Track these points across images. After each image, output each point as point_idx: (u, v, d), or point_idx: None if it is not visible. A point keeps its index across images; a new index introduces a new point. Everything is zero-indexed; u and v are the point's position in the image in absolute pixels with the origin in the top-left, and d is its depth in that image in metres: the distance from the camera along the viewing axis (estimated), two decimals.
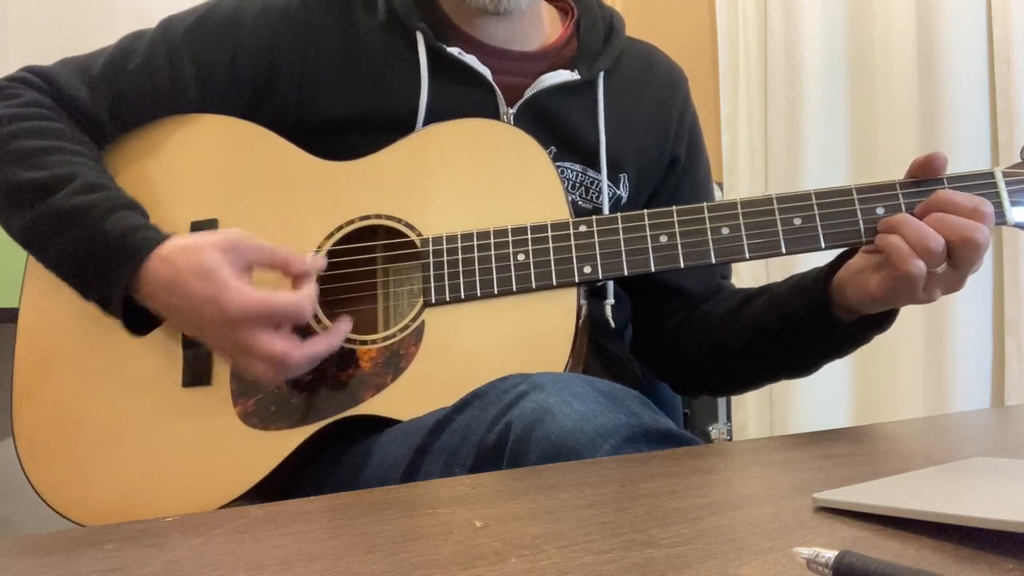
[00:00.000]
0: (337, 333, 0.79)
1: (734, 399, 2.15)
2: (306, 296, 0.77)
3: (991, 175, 0.78)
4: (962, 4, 1.84)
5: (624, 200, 0.97)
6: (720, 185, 2.26)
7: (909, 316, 1.88)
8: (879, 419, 1.90)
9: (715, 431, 2.01)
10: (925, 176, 0.79)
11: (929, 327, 1.85)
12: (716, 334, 0.95)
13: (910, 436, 0.73)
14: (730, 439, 2.04)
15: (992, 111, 1.82)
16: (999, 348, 1.81)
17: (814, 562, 0.33)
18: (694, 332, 0.98)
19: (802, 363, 0.92)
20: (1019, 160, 0.81)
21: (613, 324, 0.94)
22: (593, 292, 0.91)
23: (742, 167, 2.25)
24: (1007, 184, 0.78)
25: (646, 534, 0.39)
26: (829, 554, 0.32)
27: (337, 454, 0.82)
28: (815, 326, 0.84)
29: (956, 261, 0.73)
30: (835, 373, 2.00)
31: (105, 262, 0.78)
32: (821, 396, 2.03)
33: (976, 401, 1.81)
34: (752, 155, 2.23)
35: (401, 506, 0.47)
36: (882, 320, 0.83)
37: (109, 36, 0.94)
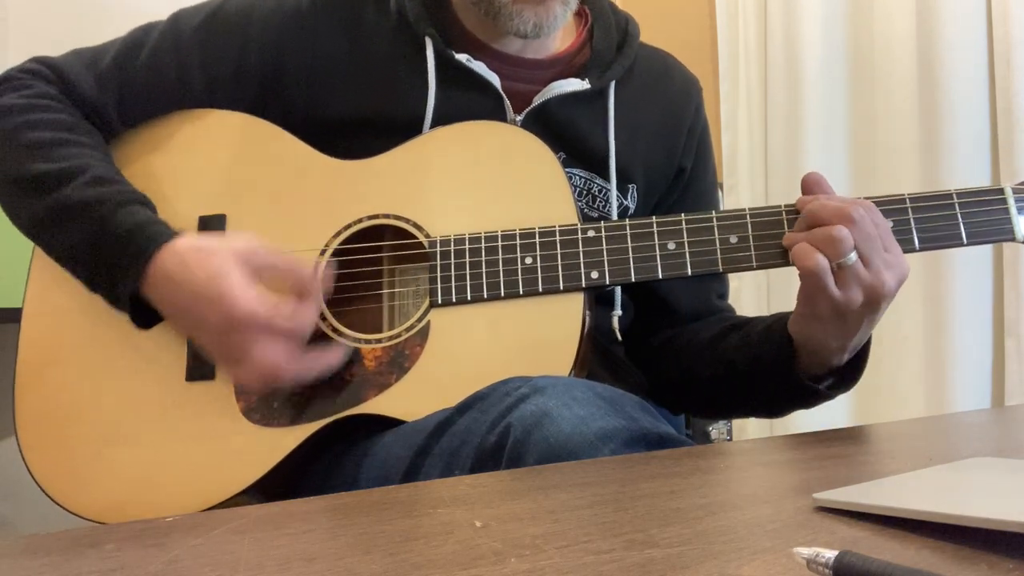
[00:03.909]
0: (332, 357, 0.78)
1: None
2: (309, 316, 0.77)
3: (1000, 191, 0.79)
4: (962, 4, 1.83)
5: (632, 211, 0.96)
6: (720, 185, 2.26)
7: (909, 316, 1.88)
8: (879, 419, 1.90)
9: (715, 431, 2.00)
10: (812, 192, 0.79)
11: (929, 327, 1.85)
12: (691, 360, 0.95)
13: (910, 436, 0.73)
14: (730, 439, 2.04)
15: (992, 111, 1.82)
16: (999, 348, 1.81)
17: (814, 562, 0.33)
18: (674, 353, 0.98)
19: (768, 408, 0.92)
20: None
21: (620, 336, 0.93)
22: (600, 301, 0.91)
23: (742, 167, 2.25)
24: (1016, 201, 0.78)
25: (646, 534, 0.39)
26: (829, 554, 0.32)
27: (338, 454, 0.82)
28: (778, 376, 0.83)
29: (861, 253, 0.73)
30: None
31: (115, 254, 0.78)
32: None
33: (976, 401, 1.81)
34: (752, 155, 2.23)
35: (401, 506, 0.47)
36: (845, 376, 0.82)
37: (108, 35, 0.94)
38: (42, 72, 0.90)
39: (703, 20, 2.41)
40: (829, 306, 0.74)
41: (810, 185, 0.79)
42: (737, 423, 2.16)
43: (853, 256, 0.72)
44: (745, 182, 2.23)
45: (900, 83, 1.93)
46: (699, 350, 0.94)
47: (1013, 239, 0.78)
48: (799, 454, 0.61)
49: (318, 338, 0.82)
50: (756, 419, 2.15)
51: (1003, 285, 1.80)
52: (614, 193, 0.93)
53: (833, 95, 2.06)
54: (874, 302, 0.74)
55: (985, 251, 1.81)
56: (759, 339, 0.86)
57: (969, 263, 1.81)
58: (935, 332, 1.84)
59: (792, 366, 0.81)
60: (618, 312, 0.93)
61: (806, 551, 0.33)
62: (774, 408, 0.91)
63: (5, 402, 0.87)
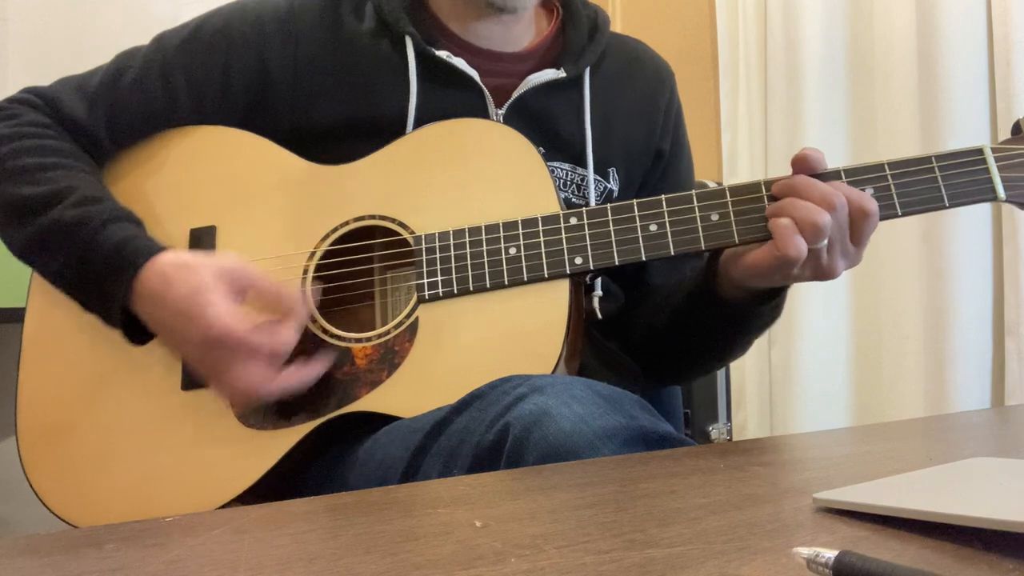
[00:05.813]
0: (315, 368, 0.79)
1: (734, 399, 2.15)
2: (289, 336, 0.77)
3: (979, 152, 0.78)
4: (962, 4, 1.83)
5: (616, 194, 0.98)
6: (719, 185, 2.26)
7: (909, 316, 1.88)
8: (879, 419, 1.90)
9: (715, 431, 2.00)
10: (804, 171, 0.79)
11: (929, 327, 1.85)
12: (649, 316, 0.97)
13: (910, 436, 0.73)
14: (730, 439, 2.04)
15: (992, 111, 1.82)
16: (999, 348, 1.81)
17: (814, 562, 0.33)
18: (641, 318, 0.99)
19: (707, 342, 0.93)
20: (1010, 136, 0.81)
21: (600, 316, 0.94)
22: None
23: (742, 167, 2.25)
24: (996, 160, 0.78)
25: (646, 534, 0.39)
26: (829, 554, 0.32)
27: (336, 456, 0.82)
28: (703, 299, 0.86)
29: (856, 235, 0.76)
30: (835, 373, 2.00)
31: (102, 273, 0.79)
32: (821, 396, 2.03)
33: (976, 401, 1.81)
34: (752, 155, 2.23)
35: (401, 506, 0.47)
36: (773, 297, 0.85)
37: (108, 35, 0.95)
38: (31, 101, 0.92)
39: (703, 20, 2.41)
40: (781, 276, 0.78)
41: (799, 166, 0.79)
42: (737, 423, 2.16)
43: (824, 243, 0.74)
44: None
45: (900, 83, 1.93)
46: (655, 305, 0.97)
47: (995, 198, 0.77)
48: (799, 454, 0.61)
49: (308, 340, 0.82)
50: (756, 419, 2.15)
51: (1003, 285, 1.80)
52: (591, 178, 0.94)
53: (833, 95, 2.06)
54: (817, 279, 0.78)
55: (986, 251, 1.81)
56: (689, 277, 0.91)
57: (970, 263, 1.81)
58: (935, 332, 1.84)
59: (713, 291, 0.85)
60: (598, 292, 0.93)
61: (806, 551, 0.33)
62: (710, 342, 0.93)
63: (5, 402, 0.87)
